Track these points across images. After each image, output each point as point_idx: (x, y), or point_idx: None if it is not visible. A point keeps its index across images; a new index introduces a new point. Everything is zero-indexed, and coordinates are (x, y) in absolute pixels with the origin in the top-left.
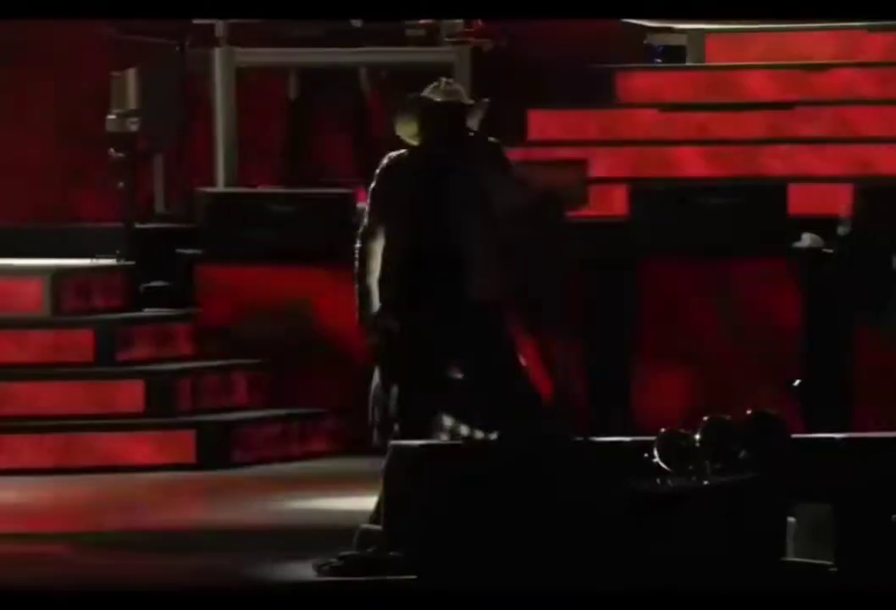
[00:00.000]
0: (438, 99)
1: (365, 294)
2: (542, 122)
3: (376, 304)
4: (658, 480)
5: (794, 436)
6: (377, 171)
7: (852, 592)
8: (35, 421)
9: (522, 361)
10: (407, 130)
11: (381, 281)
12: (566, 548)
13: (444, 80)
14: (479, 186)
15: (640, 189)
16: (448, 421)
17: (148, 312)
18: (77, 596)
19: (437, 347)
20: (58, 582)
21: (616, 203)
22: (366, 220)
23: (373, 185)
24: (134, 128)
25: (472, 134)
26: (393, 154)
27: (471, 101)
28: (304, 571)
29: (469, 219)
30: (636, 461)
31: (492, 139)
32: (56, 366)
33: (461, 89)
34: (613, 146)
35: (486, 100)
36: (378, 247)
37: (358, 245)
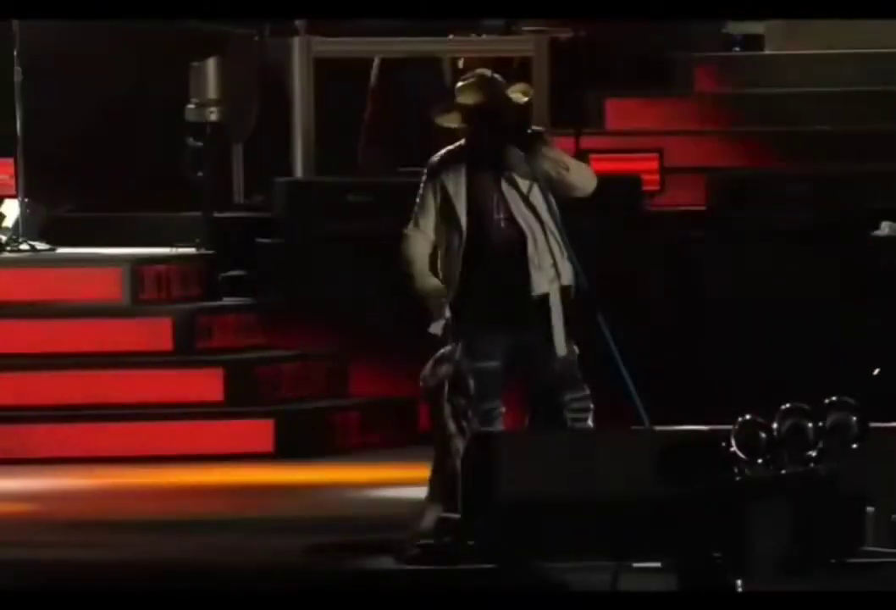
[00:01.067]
0: (471, 102)
1: (421, 275)
2: (620, 111)
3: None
4: (735, 470)
5: (873, 425)
6: (428, 168)
7: None
8: (115, 409)
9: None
10: (448, 121)
11: (444, 278)
12: (642, 537)
13: (479, 73)
14: (530, 178)
15: (717, 178)
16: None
17: (227, 301)
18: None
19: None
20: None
21: (692, 192)
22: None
23: (424, 180)
24: (213, 117)
25: (514, 127)
26: (442, 152)
27: (511, 96)
28: (382, 559)
29: (523, 211)
30: (714, 450)
31: (534, 129)
32: (135, 355)
33: (498, 83)
34: (689, 135)
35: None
36: (423, 239)
37: (410, 230)
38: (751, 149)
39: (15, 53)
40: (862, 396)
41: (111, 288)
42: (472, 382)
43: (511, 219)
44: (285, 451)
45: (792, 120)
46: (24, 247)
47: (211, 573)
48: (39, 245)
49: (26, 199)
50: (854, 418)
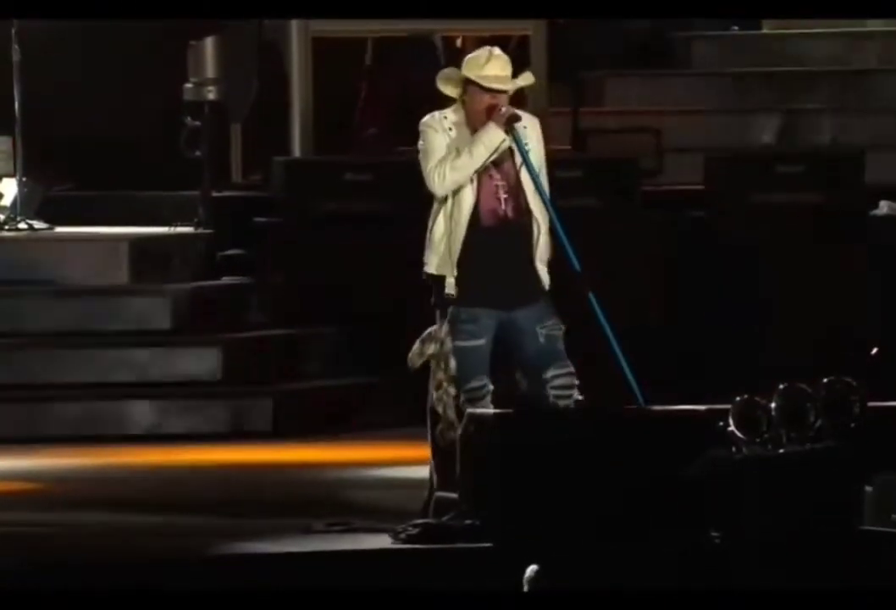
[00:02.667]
0: (484, 84)
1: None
2: (618, 90)
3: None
4: (733, 449)
5: (871, 404)
6: (427, 127)
7: None
8: (112, 388)
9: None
10: (449, 89)
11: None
12: (641, 515)
13: (490, 51)
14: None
15: (716, 157)
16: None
17: (225, 279)
18: None
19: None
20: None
21: (689, 171)
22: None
23: (431, 132)
24: (211, 96)
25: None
26: (438, 114)
27: (514, 81)
28: (380, 539)
29: (531, 189)
30: (712, 429)
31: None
32: (136, 334)
33: (506, 64)
34: (688, 114)
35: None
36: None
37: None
38: (748, 127)
39: (13, 32)
40: (861, 375)
41: (110, 267)
42: (454, 362)
43: (518, 196)
44: (284, 430)
45: (789, 98)
46: (21, 226)
47: (205, 554)
48: (37, 224)
49: (24, 178)
50: (853, 397)
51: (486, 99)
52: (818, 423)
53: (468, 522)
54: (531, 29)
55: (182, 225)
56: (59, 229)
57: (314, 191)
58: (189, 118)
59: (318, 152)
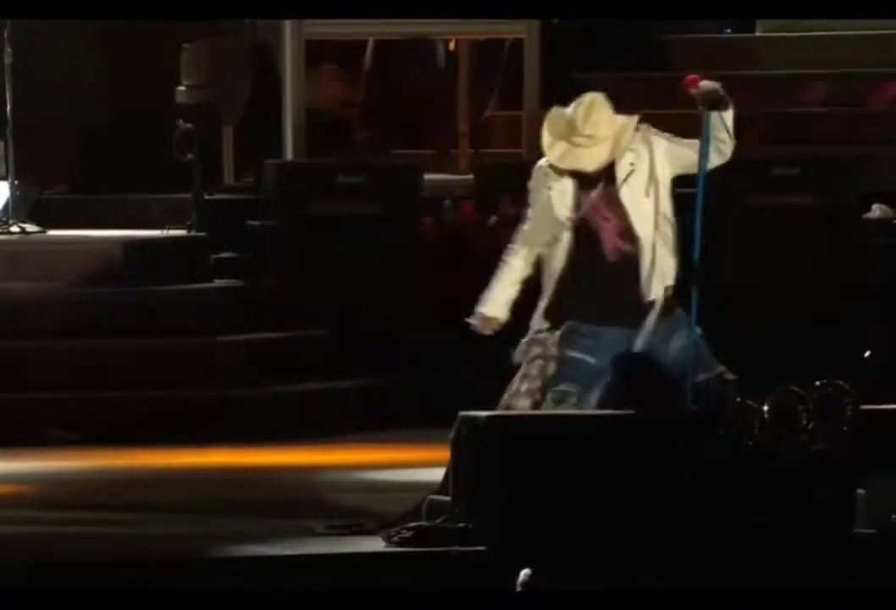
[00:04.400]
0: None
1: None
2: (616, 91)
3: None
4: (727, 450)
5: (865, 407)
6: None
7: None
8: (104, 392)
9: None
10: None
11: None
12: (635, 517)
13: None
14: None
15: None
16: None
17: (218, 282)
18: None
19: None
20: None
21: None
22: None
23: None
24: (203, 99)
25: None
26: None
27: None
28: (374, 541)
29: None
30: (706, 432)
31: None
32: (126, 337)
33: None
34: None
35: None
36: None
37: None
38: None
39: (6, 34)
40: (854, 379)
41: (102, 270)
42: (555, 368)
43: (624, 231)
44: (274, 433)
45: (780, 101)
46: (13, 229)
47: (197, 558)
48: (29, 227)
49: (16, 181)
50: (845, 400)
51: None
52: (810, 425)
53: (461, 524)
54: (525, 31)
55: (174, 228)
56: (51, 232)
57: (307, 194)
58: (181, 121)
59: (310, 155)
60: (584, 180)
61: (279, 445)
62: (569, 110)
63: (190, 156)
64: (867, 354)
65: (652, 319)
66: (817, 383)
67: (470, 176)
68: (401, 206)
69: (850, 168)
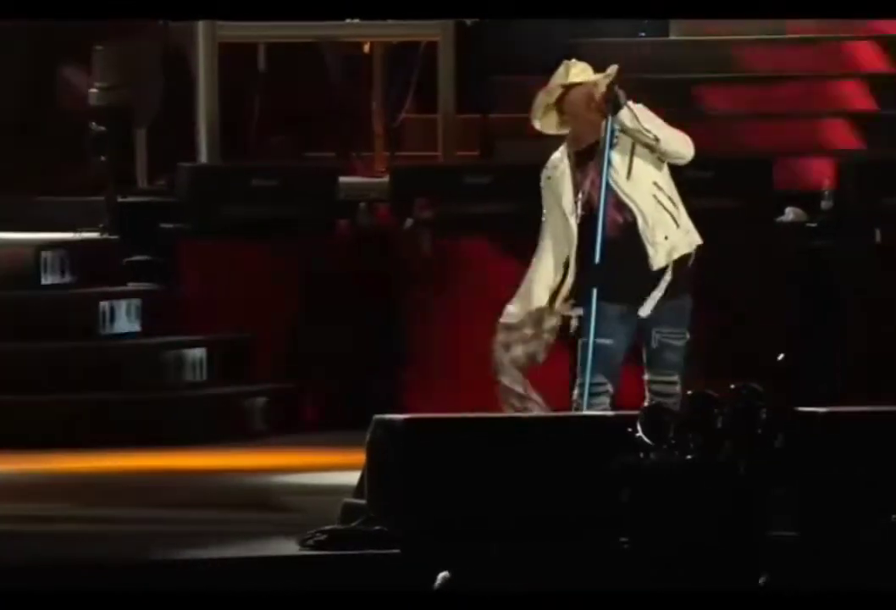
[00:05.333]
0: (567, 82)
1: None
2: (526, 97)
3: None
4: (641, 455)
5: (778, 409)
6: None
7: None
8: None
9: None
10: (547, 124)
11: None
12: (549, 520)
13: (569, 63)
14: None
15: None
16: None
17: (131, 286)
18: None
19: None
20: None
21: None
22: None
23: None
24: (116, 101)
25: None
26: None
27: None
28: (287, 545)
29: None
30: (622, 436)
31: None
32: (42, 340)
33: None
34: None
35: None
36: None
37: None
38: None
39: None
40: (770, 381)
41: (14, 272)
42: (579, 355)
43: (618, 202)
44: (189, 437)
45: (694, 104)
46: None
47: (111, 567)
48: None
49: None
50: (760, 404)
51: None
52: (724, 429)
53: (376, 528)
54: (440, 34)
55: (87, 231)
56: None
57: (221, 196)
58: (94, 123)
59: (224, 158)
60: (579, 159)
61: (188, 449)
62: (553, 79)
63: (103, 158)
64: (780, 356)
65: (657, 294)
66: (732, 386)
67: (385, 179)
68: (316, 209)
69: (763, 170)
